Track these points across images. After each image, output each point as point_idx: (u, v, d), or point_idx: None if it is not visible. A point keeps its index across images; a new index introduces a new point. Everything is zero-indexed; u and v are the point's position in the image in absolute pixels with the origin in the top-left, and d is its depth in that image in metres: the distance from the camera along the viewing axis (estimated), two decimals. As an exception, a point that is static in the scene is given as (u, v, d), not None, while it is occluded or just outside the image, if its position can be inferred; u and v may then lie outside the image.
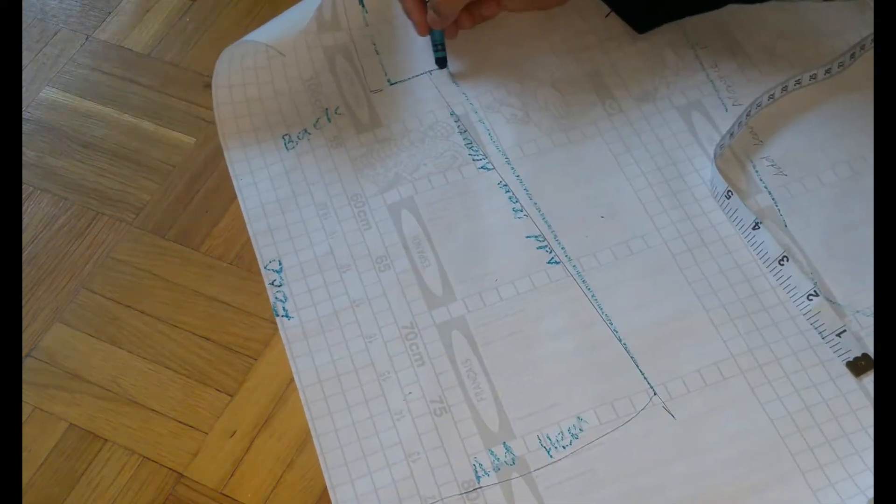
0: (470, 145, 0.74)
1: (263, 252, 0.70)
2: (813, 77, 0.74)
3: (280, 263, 0.69)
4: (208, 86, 0.79)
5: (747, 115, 0.73)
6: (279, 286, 0.68)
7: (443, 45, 0.77)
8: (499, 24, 0.80)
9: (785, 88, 0.74)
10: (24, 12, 0.86)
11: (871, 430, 0.60)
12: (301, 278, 0.69)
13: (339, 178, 0.73)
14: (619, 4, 0.78)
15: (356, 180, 0.73)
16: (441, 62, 0.77)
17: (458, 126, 0.75)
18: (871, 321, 0.63)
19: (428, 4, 0.74)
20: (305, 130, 0.76)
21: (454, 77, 0.78)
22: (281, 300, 0.68)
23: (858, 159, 0.71)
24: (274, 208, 0.72)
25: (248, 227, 0.71)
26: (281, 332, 0.66)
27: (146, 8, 0.86)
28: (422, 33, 0.76)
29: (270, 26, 0.77)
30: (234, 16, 0.84)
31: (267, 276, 0.69)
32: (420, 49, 0.79)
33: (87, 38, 0.84)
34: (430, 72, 0.78)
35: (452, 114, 0.76)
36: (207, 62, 0.81)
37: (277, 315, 0.67)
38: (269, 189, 0.73)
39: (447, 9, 0.73)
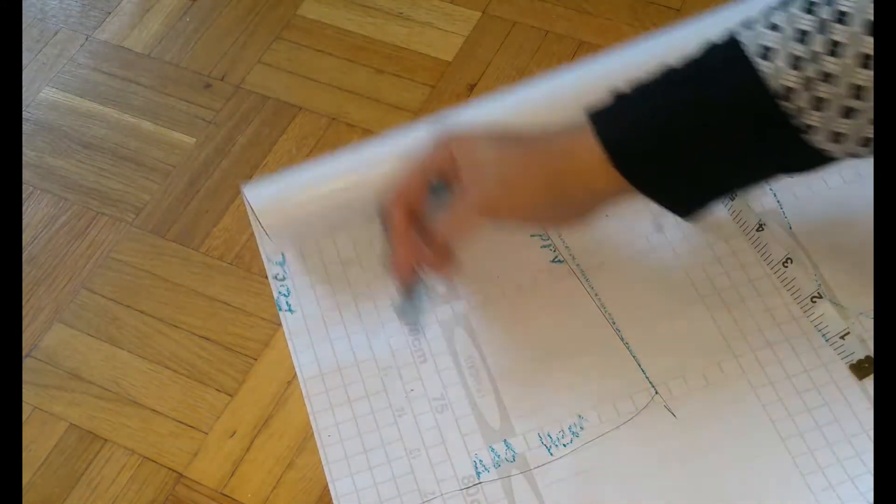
0: None
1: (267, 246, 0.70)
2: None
3: (283, 256, 0.69)
4: (208, 86, 0.79)
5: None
6: (282, 280, 0.68)
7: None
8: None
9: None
10: (24, 12, 0.86)
11: (871, 433, 0.59)
12: (304, 272, 0.68)
13: None
14: (658, 195, 0.59)
15: None
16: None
17: None
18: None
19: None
20: None
21: None
22: (284, 294, 0.68)
23: (864, 163, 0.70)
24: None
25: (253, 221, 0.71)
26: (283, 326, 0.66)
27: (146, 8, 0.86)
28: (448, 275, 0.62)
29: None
30: (234, 16, 0.84)
31: (270, 270, 0.69)
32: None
33: (87, 38, 0.84)
34: None
35: None
36: (207, 62, 0.81)
37: (280, 309, 0.67)
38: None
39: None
